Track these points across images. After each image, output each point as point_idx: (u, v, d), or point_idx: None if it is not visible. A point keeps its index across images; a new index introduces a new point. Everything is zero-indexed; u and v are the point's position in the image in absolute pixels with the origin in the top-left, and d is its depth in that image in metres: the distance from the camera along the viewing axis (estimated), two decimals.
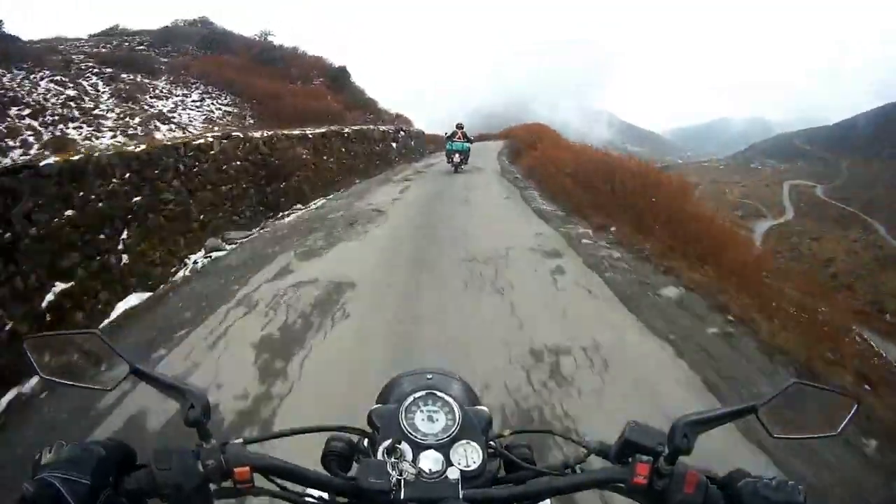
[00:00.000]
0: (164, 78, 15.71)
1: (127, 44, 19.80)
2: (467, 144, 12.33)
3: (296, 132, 10.14)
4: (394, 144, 16.51)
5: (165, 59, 18.17)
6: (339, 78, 18.99)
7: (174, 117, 12.81)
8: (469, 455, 0.60)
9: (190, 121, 12.65)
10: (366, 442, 0.67)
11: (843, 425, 0.59)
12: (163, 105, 13.35)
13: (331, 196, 9.89)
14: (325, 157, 11.01)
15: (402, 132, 18.64)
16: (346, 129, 12.68)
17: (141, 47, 19.79)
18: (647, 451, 0.58)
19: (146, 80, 14.79)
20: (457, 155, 12.09)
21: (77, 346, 0.67)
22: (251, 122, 13.14)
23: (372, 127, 14.79)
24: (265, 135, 8.89)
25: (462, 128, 12.50)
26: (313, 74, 18.96)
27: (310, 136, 10.59)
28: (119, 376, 0.60)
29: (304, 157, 10.01)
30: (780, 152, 78.67)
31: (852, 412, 0.59)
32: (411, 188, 10.03)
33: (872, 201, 37.45)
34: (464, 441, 0.61)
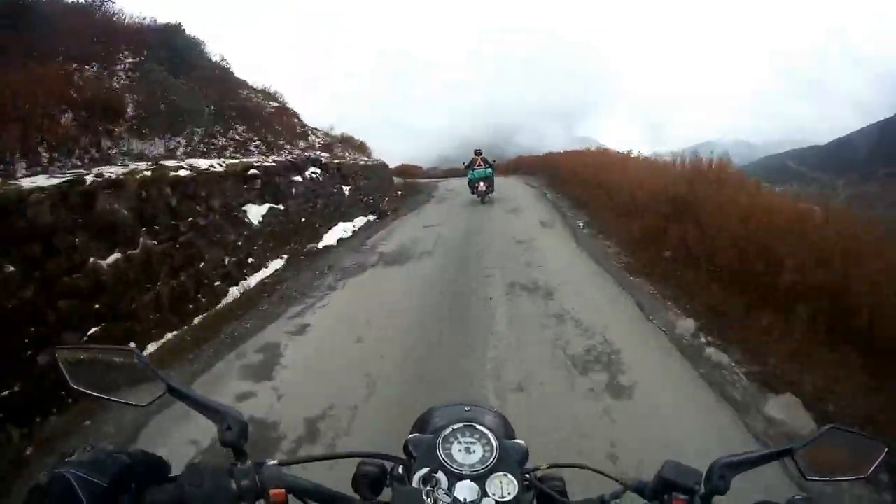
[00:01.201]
0: None
1: None
2: (489, 170, 10.68)
3: None
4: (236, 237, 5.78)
5: None
6: (165, 49, 8.32)
7: None
8: (504, 487, 0.59)
9: None
10: (400, 469, 0.65)
11: (871, 469, 0.61)
12: None
13: None
14: None
15: (313, 171, 7.99)
16: None
17: None
18: (683, 490, 0.58)
19: None
20: (481, 183, 10.48)
21: (112, 360, 0.62)
22: None
23: None
24: None
25: (481, 153, 10.97)
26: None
27: None
28: (154, 394, 0.59)
29: None
30: (770, 174, 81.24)
31: (881, 457, 0.61)
32: None
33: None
34: (500, 473, 0.61)
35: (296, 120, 13.74)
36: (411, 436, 0.67)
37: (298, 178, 7.40)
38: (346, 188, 9.30)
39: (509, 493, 0.58)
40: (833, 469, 0.62)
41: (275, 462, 0.59)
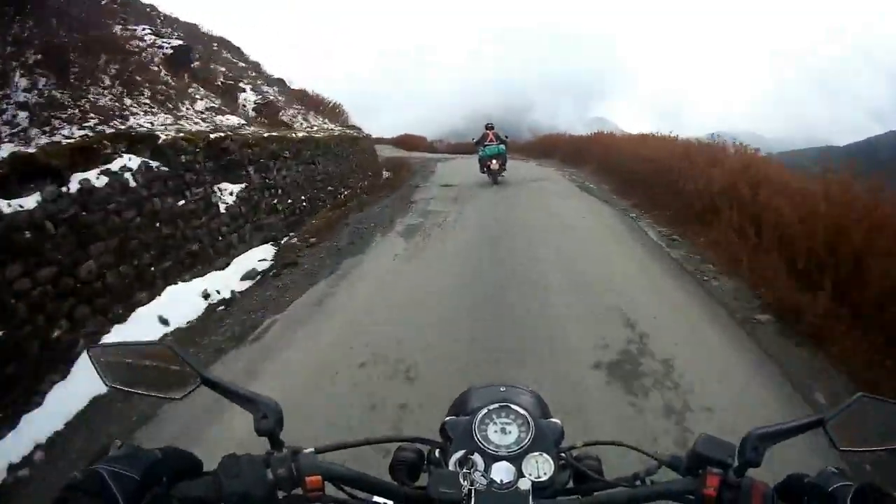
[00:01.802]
0: None
1: None
2: (502, 146, 9.33)
3: None
4: None
5: None
6: None
7: None
8: (541, 466, 0.58)
9: None
10: (437, 452, 0.64)
11: None
12: None
13: None
14: None
15: (119, 167, 3.43)
16: None
17: None
18: (717, 464, 0.57)
19: None
20: (493, 161, 9.11)
21: (145, 356, 0.61)
22: None
23: None
24: None
25: (492, 128, 9.60)
26: None
27: None
28: (189, 386, 0.58)
29: None
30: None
31: None
32: None
33: None
34: (536, 453, 0.59)
35: (222, 69, 9.08)
36: (448, 418, 0.65)
37: (30, 203, 2.84)
38: (230, 190, 4.70)
39: (545, 473, 0.58)
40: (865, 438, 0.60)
41: (311, 449, 0.58)
